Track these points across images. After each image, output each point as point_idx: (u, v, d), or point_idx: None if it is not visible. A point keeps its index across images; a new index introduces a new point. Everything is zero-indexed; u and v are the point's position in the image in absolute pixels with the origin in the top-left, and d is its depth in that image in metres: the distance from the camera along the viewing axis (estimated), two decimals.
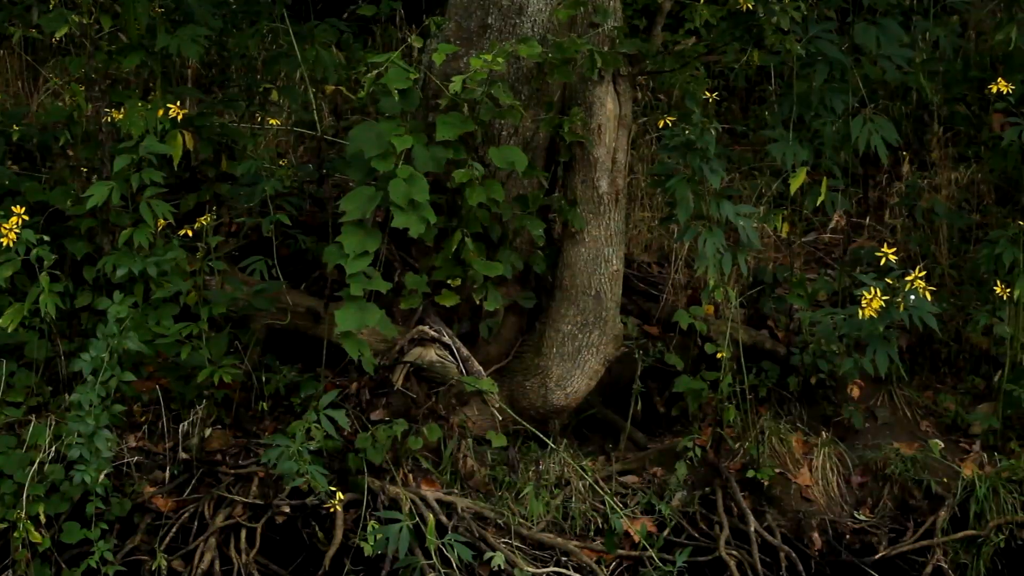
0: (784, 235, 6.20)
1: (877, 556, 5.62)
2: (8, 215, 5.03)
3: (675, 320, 5.88)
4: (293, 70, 6.09)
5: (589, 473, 5.52)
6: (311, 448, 5.08)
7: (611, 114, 5.54)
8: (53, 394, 5.47)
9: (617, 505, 5.47)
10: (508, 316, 5.77)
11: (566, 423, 5.80)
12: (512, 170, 5.41)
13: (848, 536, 5.67)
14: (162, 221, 5.37)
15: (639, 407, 5.80)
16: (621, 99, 5.57)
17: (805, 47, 5.54)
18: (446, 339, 5.55)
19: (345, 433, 5.34)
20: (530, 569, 5.31)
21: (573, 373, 5.64)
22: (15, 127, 5.80)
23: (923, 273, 5.42)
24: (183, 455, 5.42)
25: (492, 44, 5.36)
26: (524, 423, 5.58)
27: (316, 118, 5.91)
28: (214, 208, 5.74)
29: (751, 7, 5.52)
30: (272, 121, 6.00)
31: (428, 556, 5.22)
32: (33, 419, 5.27)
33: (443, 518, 5.34)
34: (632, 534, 5.45)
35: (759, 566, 5.48)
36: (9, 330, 5.17)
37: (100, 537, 5.09)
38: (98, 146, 5.61)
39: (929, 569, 5.57)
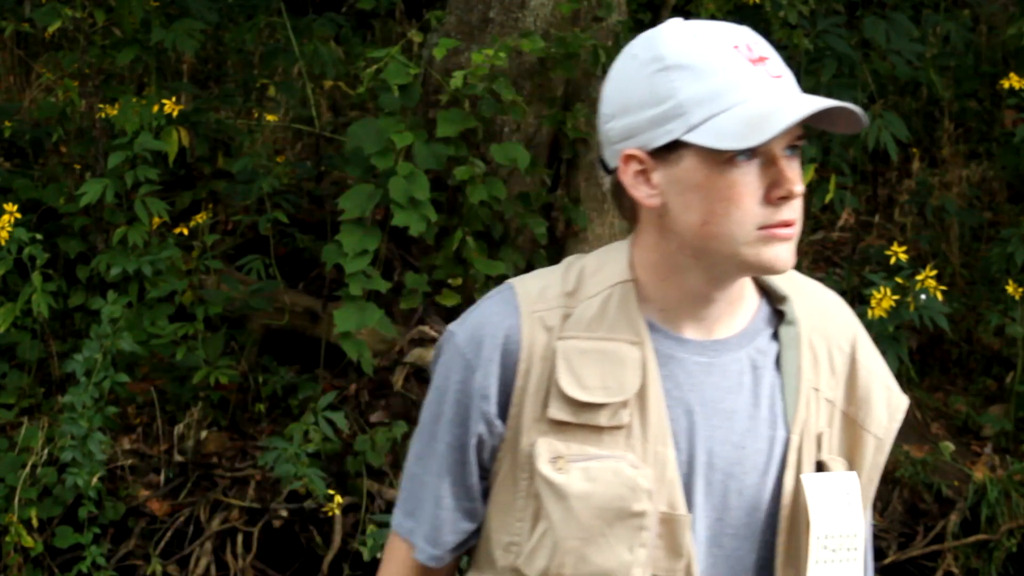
0: None
1: (887, 561, 5.53)
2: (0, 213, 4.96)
3: None
4: (291, 65, 6.02)
5: None
6: (309, 451, 4.98)
7: None
8: (46, 395, 5.38)
9: None
10: None
11: None
12: (514, 167, 5.32)
13: None
14: (157, 219, 5.29)
15: None
16: None
17: (813, 41, 5.45)
18: None
19: (344, 435, 5.26)
20: None
21: None
22: (7, 123, 5.72)
23: (934, 272, 5.32)
24: (178, 458, 5.33)
25: (494, 38, 5.27)
26: None
27: (314, 114, 5.83)
28: (210, 206, 5.66)
29: (758, 1, 5.44)
30: (269, 117, 5.92)
31: None
32: (25, 421, 5.19)
33: None
34: None
35: None
36: (0, 330, 5.09)
37: (93, 542, 4.99)
38: (92, 143, 5.53)
39: (940, 574, 5.49)
